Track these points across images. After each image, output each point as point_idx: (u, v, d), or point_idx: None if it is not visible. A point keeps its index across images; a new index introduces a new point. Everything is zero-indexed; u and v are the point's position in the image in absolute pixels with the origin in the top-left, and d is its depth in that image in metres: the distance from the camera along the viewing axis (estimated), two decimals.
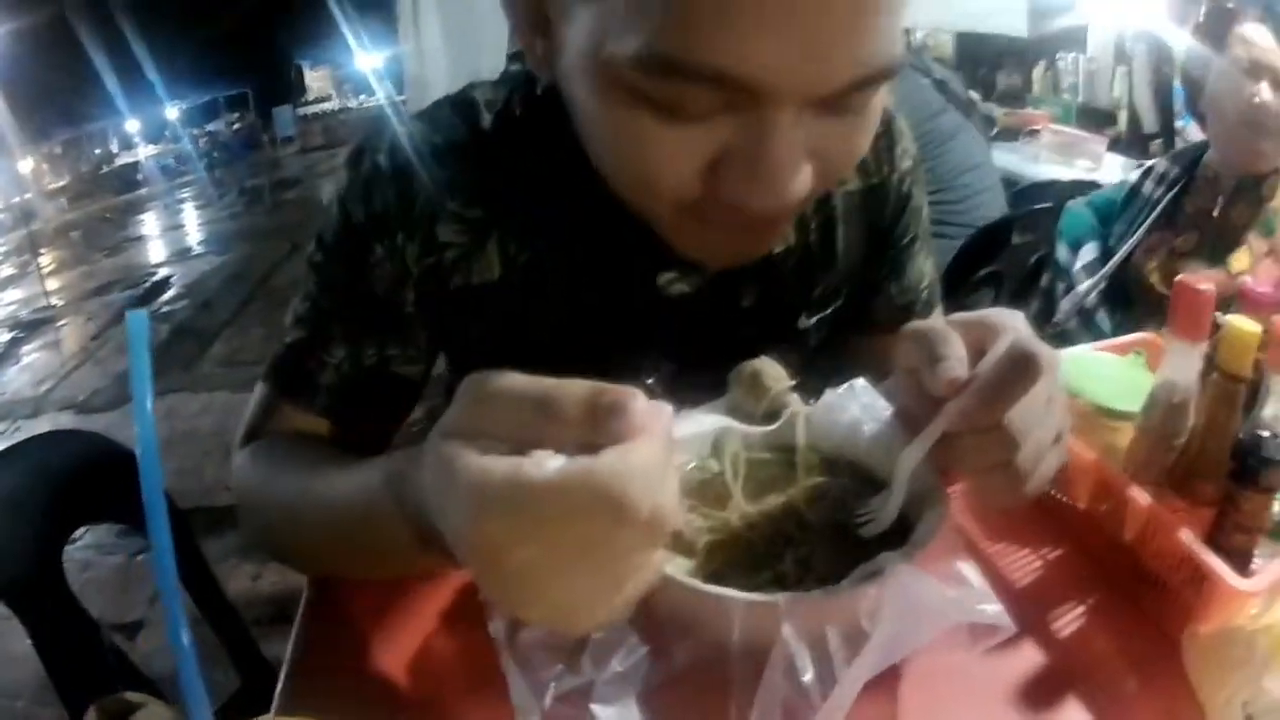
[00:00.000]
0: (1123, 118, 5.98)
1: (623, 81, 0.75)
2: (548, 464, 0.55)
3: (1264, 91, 2.13)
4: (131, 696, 0.69)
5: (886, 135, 1.22)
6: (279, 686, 0.91)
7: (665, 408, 0.60)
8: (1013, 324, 0.77)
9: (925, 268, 1.32)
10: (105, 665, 1.38)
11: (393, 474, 0.76)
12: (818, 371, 1.25)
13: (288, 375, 1.11)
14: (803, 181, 0.80)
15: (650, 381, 1.12)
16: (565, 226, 1.07)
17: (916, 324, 0.79)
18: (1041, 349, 0.74)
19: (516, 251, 1.09)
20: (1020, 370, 0.73)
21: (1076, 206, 2.68)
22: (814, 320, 1.25)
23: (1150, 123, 4.64)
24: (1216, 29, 2.27)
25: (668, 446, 0.58)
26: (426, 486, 0.63)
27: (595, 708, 0.73)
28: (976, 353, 0.76)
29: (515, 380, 0.60)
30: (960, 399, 0.74)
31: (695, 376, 0.99)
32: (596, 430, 0.56)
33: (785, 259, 1.18)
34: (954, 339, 0.76)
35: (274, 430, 1.11)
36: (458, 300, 1.10)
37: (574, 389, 0.58)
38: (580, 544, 0.56)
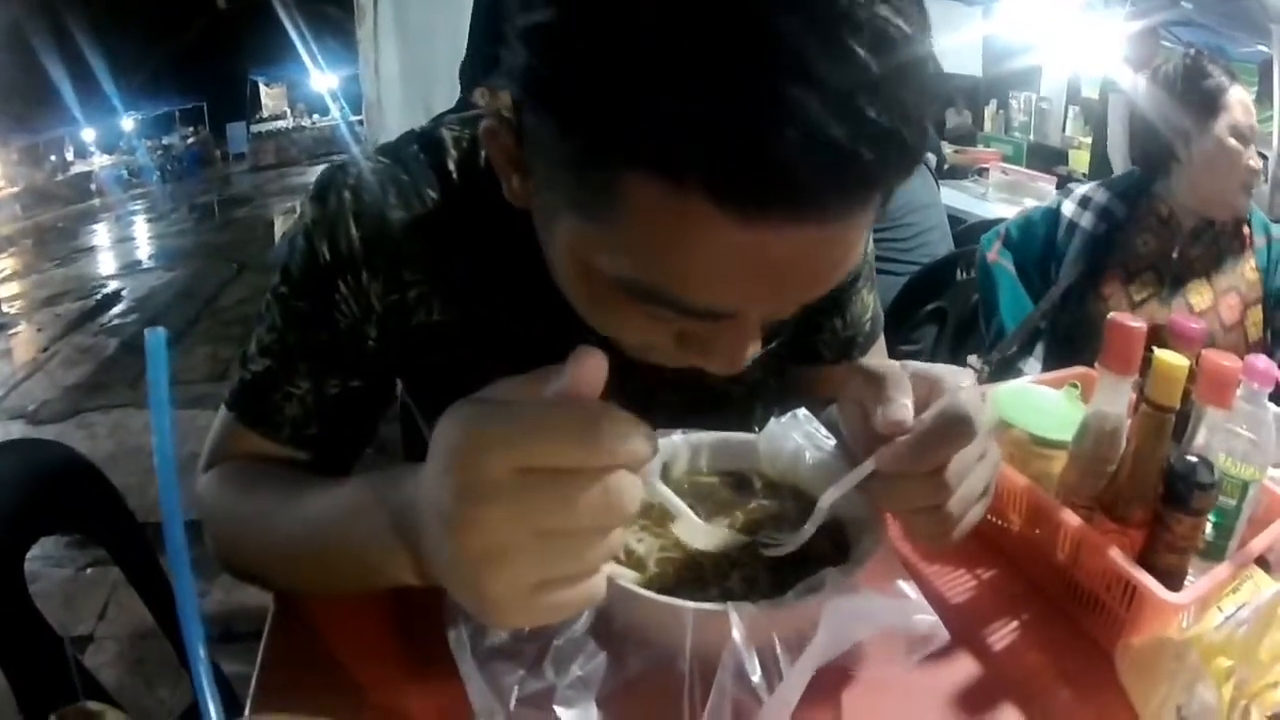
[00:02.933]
0: (1073, 157, 6.08)
1: (606, 281, 0.79)
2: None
3: (1254, 156, 2.23)
4: (92, 706, 0.71)
5: None
6: (250, 693, 0.93)
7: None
8: (958, 383, 0.83)
9: (868, 302, 1.36)
10: (67, 676, 1.38)
11: (378, 482, 0.81)
12: (762, 402, 1.30)
13: (252, 406, 1.12)
14: (754, 350, 0.86)
15: None
16: (523, 270, 1.06)
17: (870, 362, 0.86)
18: (978, 412, 0.81)
19: (475, 294, 1.12)
20: (957, 428, 0.79)
21: (999, 265, 2.68)
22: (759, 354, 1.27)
23: (1120, 165, 4.71)
24: (1196, 84, 2.33)
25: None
26: (420, 480, 0.69)
27: (558, 709, 0.77)
28: (922, 404, 0.83)
29: (500, 404, 0.66)
30: (895, 444, 0.81)
31: (643, 409, 1.02)
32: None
33: None
34: (905, 383, 0.83)
35: (238, 455, 1.13)
36: (419, 335, 1.13)
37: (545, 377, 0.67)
38: (555, 480, 0.62)
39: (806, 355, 1.36)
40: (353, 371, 1.12)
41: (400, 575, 0.78)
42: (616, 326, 0.87)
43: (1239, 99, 2.29)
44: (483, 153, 1.09)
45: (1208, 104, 2.28)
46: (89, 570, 3.58)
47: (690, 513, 0.89)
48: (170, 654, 1.44)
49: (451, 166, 1.11)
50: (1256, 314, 2.38)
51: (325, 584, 0.97)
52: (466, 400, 0.66)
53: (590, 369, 0.65)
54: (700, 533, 0.91)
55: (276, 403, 1.11)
